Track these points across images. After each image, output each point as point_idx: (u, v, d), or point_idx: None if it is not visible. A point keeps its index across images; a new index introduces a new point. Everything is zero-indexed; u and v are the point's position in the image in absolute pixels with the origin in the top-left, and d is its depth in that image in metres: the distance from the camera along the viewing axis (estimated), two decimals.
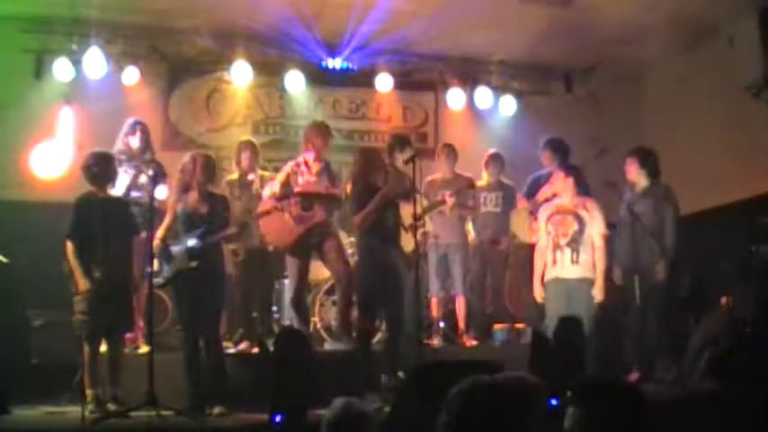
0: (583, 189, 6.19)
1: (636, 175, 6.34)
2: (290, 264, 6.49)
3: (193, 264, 5.32)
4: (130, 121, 6.46)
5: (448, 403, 2.19)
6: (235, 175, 6.76)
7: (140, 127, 6.41)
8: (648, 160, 6.33)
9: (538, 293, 6.12)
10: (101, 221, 5.33)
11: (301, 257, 6.40)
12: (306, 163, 6.41)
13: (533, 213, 6.80)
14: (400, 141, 6.72)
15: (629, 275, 6.17)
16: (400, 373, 5.39)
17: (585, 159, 6.75)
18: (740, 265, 6.60)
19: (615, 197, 6.38)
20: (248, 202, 6.52)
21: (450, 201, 6.66)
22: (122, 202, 5.73)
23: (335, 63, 8.30)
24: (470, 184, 7.00)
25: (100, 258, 5.29)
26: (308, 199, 6.22)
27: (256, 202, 6.44)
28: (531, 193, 6.96)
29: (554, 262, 6.00)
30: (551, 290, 6.00)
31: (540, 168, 7.12)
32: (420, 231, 5.67)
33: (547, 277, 6.04)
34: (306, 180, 6.33)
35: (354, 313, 6.45)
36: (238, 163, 6.77)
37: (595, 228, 5.98)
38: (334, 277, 6.54)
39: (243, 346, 6.48)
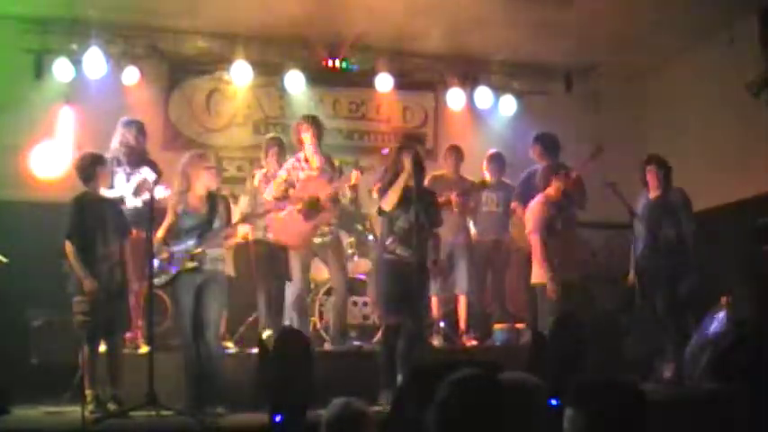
0: None
1: (656, 184, 6.27)
2: (294, 263, 6.49)
3: (194, 264, 5.33)
4: (124, 119, 6.45)
5: (437, 395, 2.21)
6: (263, 171, 6.81)
7: (136, 124, 6.39)
8: (666, 168, 6.27)
9: (551, 291, 6.05)
10: (97, 221, 5.34)
11: (305, 257, 6.42)
12: (306, 159, 6.43)
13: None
14: (410, 139, 6.65)
15: (638, 278, 6.17)
16: None
17: (585, 161, 6.73)
18: (740, 265, 6.60)
19: (615, 197, 6.37)
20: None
21: (455, 201, 6.65)
22: (115, 202, 5.73)
23: (335, 63, 8.29)
24: (479, 187, 6.97)
25: (98, 258, 5.30)
26: (313, 201, 6.26)
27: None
28: (526, 195, 6.93)
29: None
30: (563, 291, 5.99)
31: None
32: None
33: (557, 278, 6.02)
34: (307, 175, 6.35)
35: (351, 315, 6.49)
36: (267, 161, 6.83)
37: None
38: (333, 282, 6.57)
39: (242, 345, 6.49)
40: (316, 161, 6.43)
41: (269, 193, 6.36)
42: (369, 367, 5.67)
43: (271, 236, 6.50)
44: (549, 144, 6.93)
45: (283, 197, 6.27)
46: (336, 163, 6.64)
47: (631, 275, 6.29)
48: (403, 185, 5.54)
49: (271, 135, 7.20)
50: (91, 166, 5.43)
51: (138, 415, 4.96)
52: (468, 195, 6.77)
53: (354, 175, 6.24)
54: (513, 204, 7.04)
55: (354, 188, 6.43)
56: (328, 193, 6.29)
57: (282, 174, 6.41)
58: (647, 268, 6.15)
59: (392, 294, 5.55)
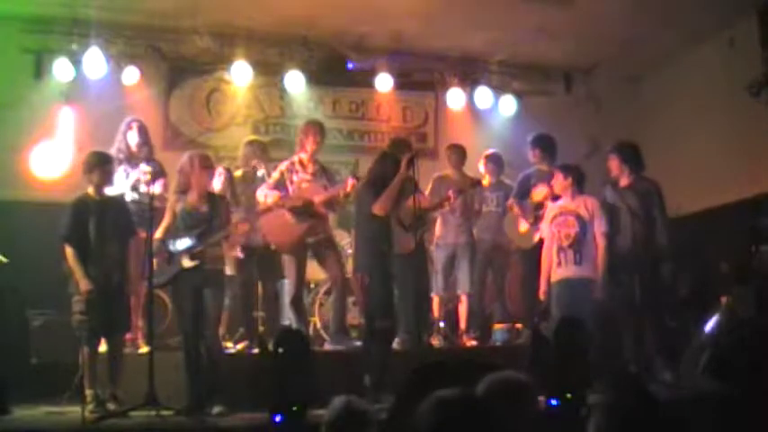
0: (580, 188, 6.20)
1: (618, 172, 6.23)
2: (289, 264, 6.51)
3: (193, 263, 5.33)
4: (127, 119, 6.46)
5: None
6: (239, 173, 6.78)
7: (137, 123, 6.41)
8: (629, 155, 6.21)
9: (542, 293, 6.11)
10: (96, 223, 5.33)
11: (299, 257, 6.43)
12: (301, 162, 6.46)
13: (525, 217, 6.78)
14: (399, 145, 6.68)
15: (618, 274, 6.17)
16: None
17: (582, 159, 6.74)
18: (740, 265, 6.60)
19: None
20: (251, 199, 6.53)
21: (452, 199, 6.64)
22: (119, 203, 5.72)
23: (336, 63, 8.29)
24: (474, 184, 6.96)
25: (96, 259, 5.30)
26: (306, 204, 6.26)
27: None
28: (521, 195, 6.93)
29: (558, 263, 6.02)
30: (556, 291, 6.01)
31: None
32: (420, 231, 5.68)
33: (553, 279, 6.05)
34: (301, 179, 6.37)
35: (351, 315, 6.48)
36: (245, 163, 6.79)
37: (597, 227, 5.99)
38: (330, 281, 6.58)
39: (242, 345, 6.49)
40: (311, 166, 6.45)
41: (262, 197, 6.35)
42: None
43: (264, 237, 6.49)
44: (547, 146, 6.94)
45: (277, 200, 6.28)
46: (330, 169, 6.68)
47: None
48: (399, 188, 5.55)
49: (251, 138, 7.16)
50: (99, 165, 5.43)
51: (138, 415, 4.96)
52: (463, 194, 6.74)
53: (350, 183, 6.24)
54: (510, 202, 7.01)
55: (348, 196, 6.41)
56: (322, 199, 6.30)
57: (275, 175, 6.43)
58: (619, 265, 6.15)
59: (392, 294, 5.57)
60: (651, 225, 6.08)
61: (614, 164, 6.25)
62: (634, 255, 6.09)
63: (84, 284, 5.23)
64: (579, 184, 6.13)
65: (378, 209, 5.50)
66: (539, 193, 6.68)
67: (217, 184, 6.21)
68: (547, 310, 6.21)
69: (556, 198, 6.30)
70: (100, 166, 5.44)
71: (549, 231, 6.15)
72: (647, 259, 6.07)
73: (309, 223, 6.32)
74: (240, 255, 6.47)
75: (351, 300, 6.90)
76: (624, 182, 6.23)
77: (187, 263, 5.33)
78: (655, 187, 6.18)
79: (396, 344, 6.08)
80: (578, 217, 6.01)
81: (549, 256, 6.14)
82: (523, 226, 6.82)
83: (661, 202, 6.14)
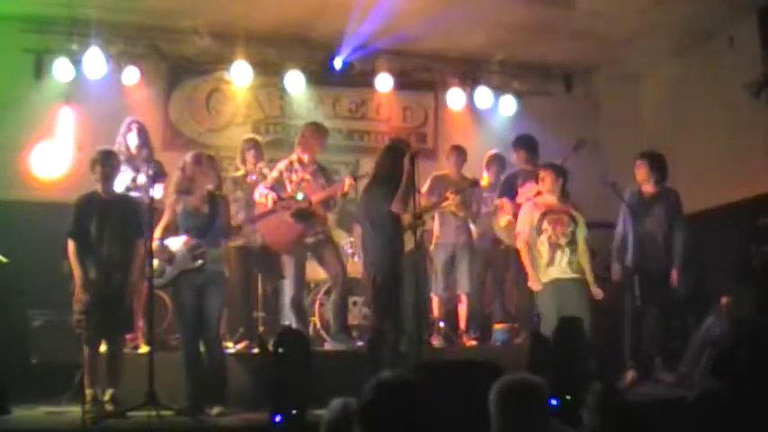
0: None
1: (645, 179, 6.31)
2: (288, 264, 6.51)
3: (197, 263, 5.32)
4: (127, 120, 6.46)
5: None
6: (241, 172, 6.78)
7: (137, 125, 6.41)
8: (658, 164, 6.30)
9: (536, 285, 6.03)
10: (99, 221, 5.32)
11: (299, 257, 6.43)
12: (300, 160, 6.46)
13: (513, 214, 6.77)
14: (399, 144, 6.64)
15: (631, 275, 6.16)
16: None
17: (582, 159, 6.75)
18: (740, 265, 6.60)
19: (615, 197, 6.37)
20: (250, 198, 6.54)
21: (451, 198, 6.63)
22: (129, 203, 5.67)
23: (335, 63, 8.30)
24: (472, 184, 6.95)
25: (98, 258, 5.29)
26: (305, 206, 6.26)
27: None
28: (510, 195, 6.91)
29: (551, 262, 5.97)
30: (549, 290, 5.97)
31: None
32: (420, 230, 5.67)
33: (544, 278, 6.01)
34: (300, 178, 6.37)
35: (351, 315, 6.45)
36: (243, 161, 6.79)
37: (583, 231, 6.03)
38: (331, 279, 6.56)
39: (242, 345, 6.49)
40: (310, 166, 6.46)
41: (258, 196, 6.35)
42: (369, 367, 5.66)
43: (263, 238, 6.49)
44: (531, 147, 6.97)
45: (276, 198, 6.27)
46: (328, 169, 6.70)
47: (616, 271, 6.31)
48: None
49: (247, 136, 7.17)
50: (98, 161, 5.41)
51: (138, 415, 4.96)
52: (462, 193, 6.73)
53: (347, 182, 6.23)
54: (499, 201, 7.00)
55: (345, 195, 6.39)
56: (320, 199, 6.30)
57: (274, 174, 6.43)
58: (637, 267, 6.16)
59: (395, 293, 5.57)
60: (670, 233, 6.18)
61: (642, 171, 6.31)
62: (643, 258, 6.13)
63: (79, 282, 5.22)
64: (565, 186, 6.16)
65: (396, 207, 5.49)
66: (529, 190, 6.66)
67: None
68: None
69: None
70: (99, 162, 5.41)
71: (537, 227, 6.07)
72: (656, 263, 6.12)
73: (308, 223, 6.34)
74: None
75: (351, 300, 6.92)
76: (649, 189, 6.30)
77: (190, 263, 5.33)
78: (676, 196, 6.30)
79: None
80: (572, 217, 6.03)
81: (532, 248, 6.08)
82: (504, 219, 6.82)
83: (681, 211, 6.27)
